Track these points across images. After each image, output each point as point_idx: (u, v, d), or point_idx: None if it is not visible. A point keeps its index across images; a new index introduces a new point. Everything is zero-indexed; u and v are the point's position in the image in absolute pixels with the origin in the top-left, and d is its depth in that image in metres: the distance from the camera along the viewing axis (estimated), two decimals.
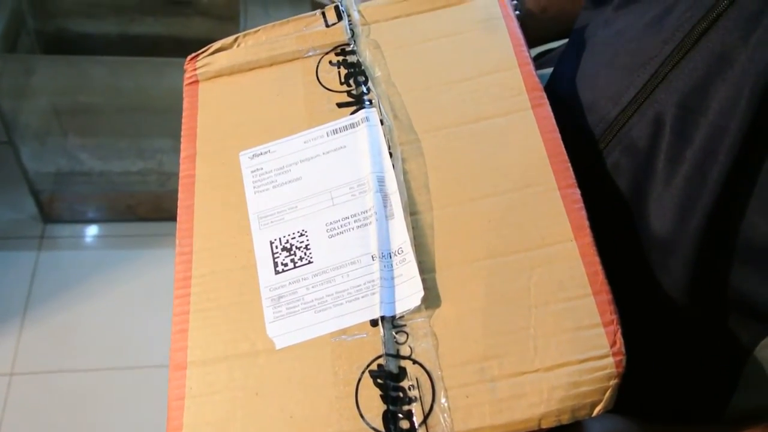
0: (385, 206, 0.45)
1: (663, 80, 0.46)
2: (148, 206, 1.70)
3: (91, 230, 1.71)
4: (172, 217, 1.61)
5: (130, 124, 1.62)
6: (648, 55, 0.47)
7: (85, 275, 1.59)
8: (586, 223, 0.44)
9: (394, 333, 0.42)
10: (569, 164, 0.45)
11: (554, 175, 0.45)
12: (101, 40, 1.73)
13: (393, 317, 0.42)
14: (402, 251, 0.44)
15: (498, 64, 0.50)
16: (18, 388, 1.40)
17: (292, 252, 0.45)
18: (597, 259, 0.42)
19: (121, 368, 1.46)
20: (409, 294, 0.43)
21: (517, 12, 0.60)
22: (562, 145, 0.46)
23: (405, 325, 0.42)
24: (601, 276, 0.42)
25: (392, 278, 0.43)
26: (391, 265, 0.44)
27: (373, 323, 0.42)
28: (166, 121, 1.59)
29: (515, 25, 0.52)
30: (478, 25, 0.52)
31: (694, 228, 0.44)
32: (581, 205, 0.44)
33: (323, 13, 0.55)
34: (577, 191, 0.45)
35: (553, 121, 0.47)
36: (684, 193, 0.44)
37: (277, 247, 0.46)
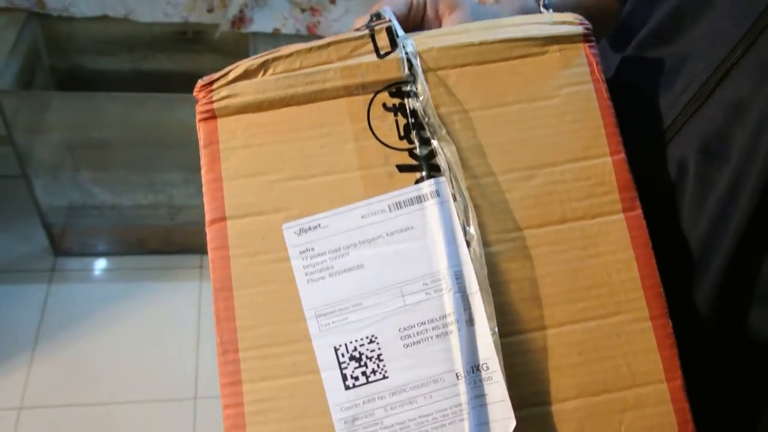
0: (465, 309, 0.39)
1: (682, 128, 0.46)
2: (158, 239, 1.69)
3: (102, 263, 1.68)
4: (181, 250, 1.60)
5: (141, 158, 1.62)
6: (665, 105, 0.47)
7: (95, 308, 1.55)
8: (678, 362, 0.40)
9: None
10: (662, 289, 0.41)
11: (646, 301, 0.41)
12: (114, 76, 1.73)
13: None
14: (488, 368, 0.38)
15: (587, 150, 0.42)
16: (27, 422, 1.37)
17: (362, 363, 0.39)
18: (687, 405, 0.39)
19: (131, 402, 1.42)
20: (498, 419, 0.37)
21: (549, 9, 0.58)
22: (655, 264, 0.41)
23: None
24: (690, 425, 0.39)
25: (478, 397, 0.38)
26: (477, 382, 0.38)
27: None
28: (176, 155, 1.59)
29: (605, 93, 0.44)
30: (565, 91, 0.43)
31: (717, 269, 0.43)
32: (673, 341, 0.40)
33: (372, 36, 0.43)
34: (669, 323, 0.40)
35: (646, 231, 0.42)
36: (707, 236, 0.44)
37: (343, 356, 0.39)
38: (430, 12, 0.49)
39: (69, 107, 1.58)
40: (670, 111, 0.47)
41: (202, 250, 1.60)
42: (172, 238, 1.67)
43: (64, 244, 1.65)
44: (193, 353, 1.49)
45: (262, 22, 1.60)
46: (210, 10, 1.58)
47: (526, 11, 0.55)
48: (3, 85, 1.41)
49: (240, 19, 1.58)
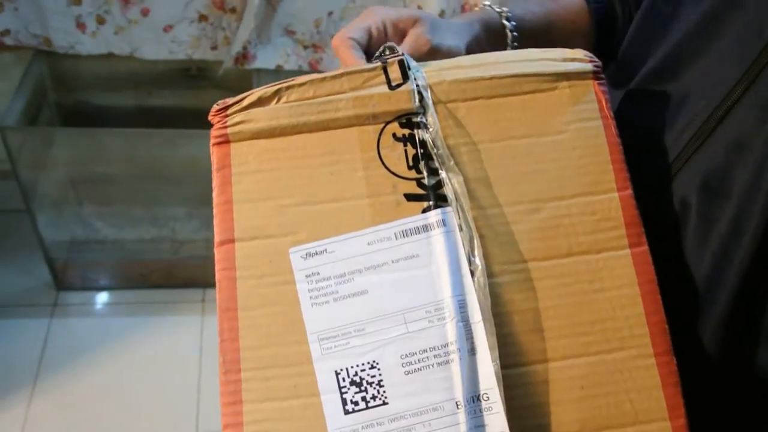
0: (468, 339, 0.39)
1: (684, 165, 0.46)
2: (161, 273, 1.69)
3: (104, 297, 1.67)
4: (184, 284, 1.60)
5: (144, 192, 1.63)
6: (667, 143, 0.47)
7: (97, 342, 1.54)
8: (681, 401, 0.40)
9: None
10: (666, 326, 0.41)
11: (651, 338, 0.40)
12: (119, 112, 1.74)
13: None
14: (488, 398, 0.38)
15: (595, 185, 0.43)
16: None
17: (363, 388, 0.39)
18: None
19: None
20: None
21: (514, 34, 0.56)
22: (660, 301, 0.41)
23: None
24: None
25: (477, 427, 0.38)
26: (477, 412, 0.38)
27: None
28: (180, 189, 1.60)
29: (614, 130, 0.44)
30: (574, 126, 0.44)
31: (722, 307, 0.43)
32: (677, 378, 0.40)
33: (385, 69, 0.44)
34: (673, 360, 0.40)
35: (652, 267, 0.42)
36: (710, 274, 0.44)
37: (344, 380, 0.39)
38: (391, 32, 0.50)
39: (73, 143, 1.59)
40: (672, 149, 0.47)
41: (204, 284, 1.60)
42: (174, 273, 1.67)
43: (67, 278, 1.65)
44: (195, 388, 1.48)
45: (265, 59, 1.62)
46: (214, 47, 1.60)
47: (488, 24, 0.56)
48: (9, 122, 1.43)
49: (243, 56, 1.60)
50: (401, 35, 0.51)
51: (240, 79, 1.66)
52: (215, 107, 0.43)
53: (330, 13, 1.56)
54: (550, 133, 0.44)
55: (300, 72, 1.66)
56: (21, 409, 1.42)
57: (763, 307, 0.42)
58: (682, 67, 0.48)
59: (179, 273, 1.66)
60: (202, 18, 1.54)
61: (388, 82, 0.44)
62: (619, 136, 0.44)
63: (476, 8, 0.59)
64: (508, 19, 0.56)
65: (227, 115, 0.43)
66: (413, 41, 0.50)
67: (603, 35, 0.60)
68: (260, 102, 0.43)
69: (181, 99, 1.74)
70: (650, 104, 0.51)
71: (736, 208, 0.42)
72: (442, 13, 1.56)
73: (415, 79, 0.43)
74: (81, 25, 1.50)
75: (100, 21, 1.50)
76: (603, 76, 0.46)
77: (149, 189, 1.63)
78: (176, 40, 1.56)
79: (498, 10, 0.57)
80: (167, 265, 1.68)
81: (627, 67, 0.54)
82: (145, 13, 1.50)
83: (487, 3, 0.58)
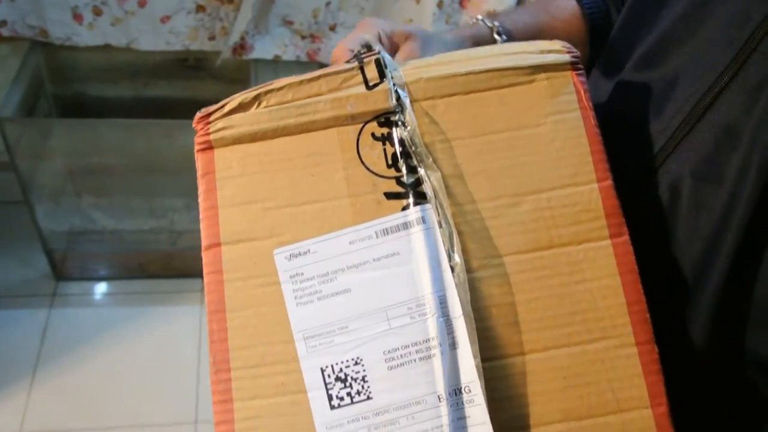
0: (449, 334, 0.40)
1: (673, 152, 0.46)
2: (159, 264, 1.69)
3: (103, 288, 1.68)
4: (182, 275, 1.60)
5: (142, 183, 1.63)
6: (656, 130, 0.47)
7: (96, 332, 1.55)
8: (663, 389, 0.40)
9: None
10: (648, 314, 0.41)
11: (632, 327, 0.41)
12: (116, 103, 1.74)
13: None
14: (470, 390, 0.39)
15: (574, 176, 0.43)
16: None
17: (347, 384, 0.40)
18: (672, 431, 0.39)
19: (131, 426, 1.41)
20: None
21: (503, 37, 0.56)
22: (642, 290, 0.41)
23: None
24: None
25: (459, 419, 0.38)
26: (458, 404, 0.39)
27: None
28: (178, 180, 1.60)
29: (593, 121, 0.44)
30: (552, 118, 0.44)
31: (711, 292, 0.43)
32: (659, 367, 0.40)
33: (362, 68, 0.44)
34: (655, 348, 0.41)
35: (633, 257, 0.42)
36: (700, 259, 0.44)
37: (329, 377, 0.40)
38: (386, 44, 0.50)
39: (71, 134, 1.59)
40: (661, 135, 0.47)
41: (202, 274, 1.60)
42: (173, 263, 1.67)
43: (65, 268, 1.65)
44: (194, 377, 1.49)
45: (262, 50, 1.61)
46: (211, 38, 1.60)
47: (479, 40, 0.57)
48: (6, 113, 1.43)
49: (241, 47, 1.59)
50: (394, 49, 0.52)
51: (238, 69, 1.66)
52: (198, 115, 0.44)
53: (328, 3, 1.56)
54: (528, 127, 0.44)
55: (298, 62, 1.66)
56: (21, 398, 1.42)
57: (752, 292, 0.42)
58: (670, 53, 0.49)
59: (177, 263, 1.67)
60: (200, 9, 1.53)
61: (366, 82, 0.44)
62: (598, 127, 0.44)
63: (470, 22, 0.60)
64: (499, 34, 0.57)
65: (209, 122, 0.44)
66: (404, 57, 0.51)
67: (599, 42, 0.60)
68: (241, 107, 0.44)
69: (179, 90, 1.74)
70: (639, 92, 0.51)
71: (726, 193, 0.42)
72: (440, 3, 1.56)
73: (392, 78, 0.44)
74: (78, 17, 1.49)
75: (97, 12, 1.50)
76: (581, 66, 0.45)
77: (147, 180, 1.63)
78: (173, 31, 1.56)
79: (490, 25, 0.58)
80: (166, 255, 1.68)
81: (617, 55, 0.54)
82: (141, 4, 1.50)
83: (480, 17, 0.59)
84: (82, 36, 1.52)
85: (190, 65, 1.71)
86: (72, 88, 1.70)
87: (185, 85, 1.74)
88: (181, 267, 1.66)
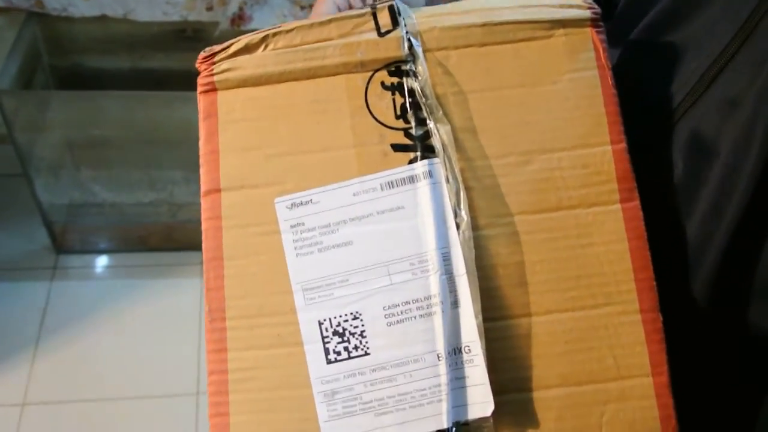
0: (451, 292, 0.39)
1: (676, 124, 0.45)
2: (160, 237, 1.69)
3: (103, 261, 1.68)
4: (182, 247, 1.60)
5: (142, 156, 1.62)
6: (660, 101, 0.46)
7: (97, 305, 1.55)
8: (665, 357, 0.39)
9: None
10: (654, 282, 0.40)
11: (638, 294, 0.40)
12: (114, 75, 1.73)
13: (458, 422, 0.37)
14: (470, 350, 0.38)
15: (588, 137, 0.42)
16: (30, 418, 1.37)
17: (345, 338, 0.39)
18: (671, 400, 0.39)
19: (133, 398, 1.42)
20: (477, 402, 0.38)
21: None
22: (649, 257, 0.41)
23: None
24: (673, 421, 0.39)
25: (458, 379, 0.38)
26: (458, 364, 0.38)
27: None
28: (177, 153, 1.59)
29: (610, 81, 0.43)
30: (568, 76, 0.42)
31: (710, 265, 0.43)
32: (662, 335, 0.40)
33: (374, 14, 0.43)
34: (659, 317, 0.40)
35: (643, 223, 0.41)
36: (700, 232, 0.44)
37: (327, 330, 0.39)
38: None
39: (69, 106, 1.58)
40: (665, 107, 0.46)
41: (203, 247, 1.60)
42: (173, 236, 1.67)
43: (66, 241, 1.65)
44: (195, 349, 1.50)
45: (261, 20, 1.59)
46: (209, 8, 1.58)
47: None
48: (3, 85, 1.41)
49: (239, 17, 1.58)
50: None
51: None
52: (202, 54, 0.43)
53: None
54: (543, 83, 0.42)
55: None
56: (24, 370, 1.43)
57: (752, 265, 0.42)
58: (678, 25, 0.48)
59: (178, 236, 1.67)
60: None
61: (378, 28, 0.43)
62: (615, 87, 0.43)
63: None
64: None
65: (214, 63, 0.43)
66: None
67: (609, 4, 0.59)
68: (247, 49, 0.42)
69: (177, 61, 1.73)
70: (645, 62, 0.50)
71: (727, 167, 0.42)
72: None
73: (405, 25, 0.42)
74: None
75: None
76: (602, 24, 0.44)
77: (147, 152, 1.62)
78: (171, 2, 1.54)
79: None
80: (166, 228, 1.68)
81: (626, 22, 0.54)
82: None
83: None
84: (78, 6, 1.50)
85: (187, 36, 1.69)
86: (69, 59, 1.68)
87: (183, 57, 1.72)
88: (181, 240, 1.66)
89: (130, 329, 1.52)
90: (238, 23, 1.58)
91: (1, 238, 1.65)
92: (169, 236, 1.68)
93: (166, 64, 1.73)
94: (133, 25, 1.57)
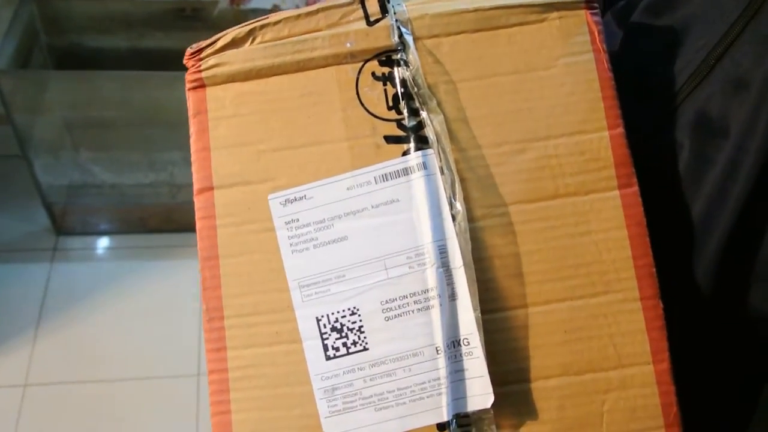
0: (448, 284, 0.39)
1: (681, 104, 0.45)
2: (160, 218, 1.69)
3: (103, 242, 1.68)
4: (182, 229, 1.59)
5: (141, 137, 1.61)
6: (664, 82, 0.46)
7: (97, 286, 1.55)
8: (666, 345, 0.39)
9: None
10: (654, 269, 0.40)
11: (637, 281, 0.40)
12: (112, 54, 1.71)
13: (458, 415, 0.37)
14: (469, 343, 0.38)
15: (584, 123, 0.41)
16: (32, 399, 1.37)
17: (343, 334, 0.39)
18: (672, 388, 0.39)
19: (134, 379, 1.42)
20: (476, 394, 0.37)
21: None
22: (649, 244, 0.40)
23: (471, 426, 0.38)
24: (674, 408, 0.38)
25: (457, 372, 0.38)
26: (456, 357, 0.38)
27: (440, 427, 0.37)
28: (177, 133, 1.58)
29: (606, 65, 0.42)
30: (563, 61, 0.41)
31: (714, 248, 0.43)
32: (662, 323, 0.39)
33: (362, 2, 0.42)
34: (660, 304, 0.39)
35: (642, 210, 0.40)
36: (705, 213, 0.43)
37: (325, 326, 0.39)
38: None
39: (68, 86, 1.57)
40: (669, 87, 0.46)
41: None
42: (173, 217, 1.67)
43: (66, 223, 1.65)
44: (196, 330, 1.50)
45: None
46: None
47: None
48: (0, 65, 1.40)
49: None
50: None
51: (235, 19, 1.62)
52: (189, 50, 0.42)
53: None
54: (537, 69, 0.41)
55: None
56: (26, 352, 1.44)
57: (756, 248, 0.42)
58: (681, 4, 0.47)
59: (178, 217, 1.66)
60: None
61: (366, 17, 0.42)
62: (611, 71, 0.42)
63: None
64: None
65: (201, 59, 0.42)
66: None
67: None
68: (234, 43, 0.42)
69: (176, 41, 1.71)
70: (648, 43, 0.49)
71: (733, 147, 0.41)
72: None
73: (394, 13, 0.41)
74: None
75: None
76: (596, 5, 0.43)
77: (146, 133, 1.61)
78: None
79: None
80: (166, 209, 1.68)
81: (631, 4, 0.53)
82: None
83: None
84: None
85: (186, 15, 1.68)
86: (67, 39, 1.66)
87: (181, 36, 1.70)
88: (181, 221, 1.65)
89: (131, 310, 1.52)
90: (238, 2, 1.57)
91: (0, 219, 1.65)
92: (169, 217, 1.67)
93: (165, 44, 1.72)
94: (131, 3, 1.55)
